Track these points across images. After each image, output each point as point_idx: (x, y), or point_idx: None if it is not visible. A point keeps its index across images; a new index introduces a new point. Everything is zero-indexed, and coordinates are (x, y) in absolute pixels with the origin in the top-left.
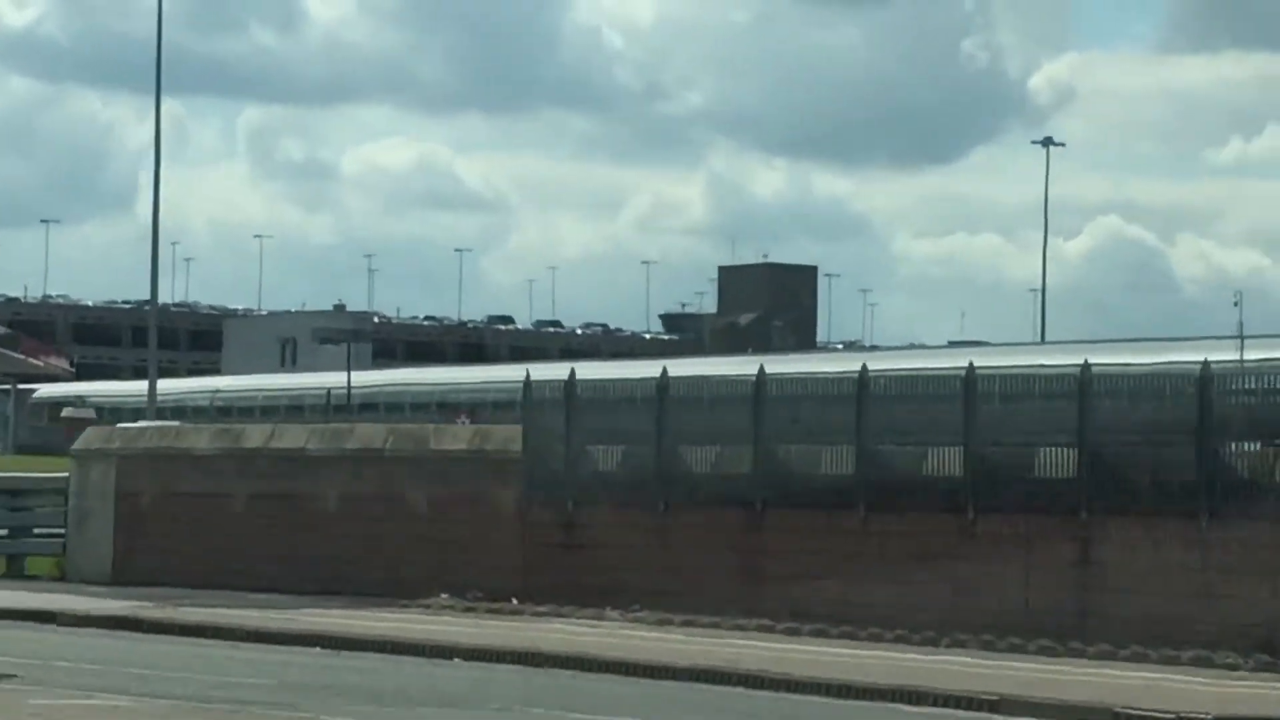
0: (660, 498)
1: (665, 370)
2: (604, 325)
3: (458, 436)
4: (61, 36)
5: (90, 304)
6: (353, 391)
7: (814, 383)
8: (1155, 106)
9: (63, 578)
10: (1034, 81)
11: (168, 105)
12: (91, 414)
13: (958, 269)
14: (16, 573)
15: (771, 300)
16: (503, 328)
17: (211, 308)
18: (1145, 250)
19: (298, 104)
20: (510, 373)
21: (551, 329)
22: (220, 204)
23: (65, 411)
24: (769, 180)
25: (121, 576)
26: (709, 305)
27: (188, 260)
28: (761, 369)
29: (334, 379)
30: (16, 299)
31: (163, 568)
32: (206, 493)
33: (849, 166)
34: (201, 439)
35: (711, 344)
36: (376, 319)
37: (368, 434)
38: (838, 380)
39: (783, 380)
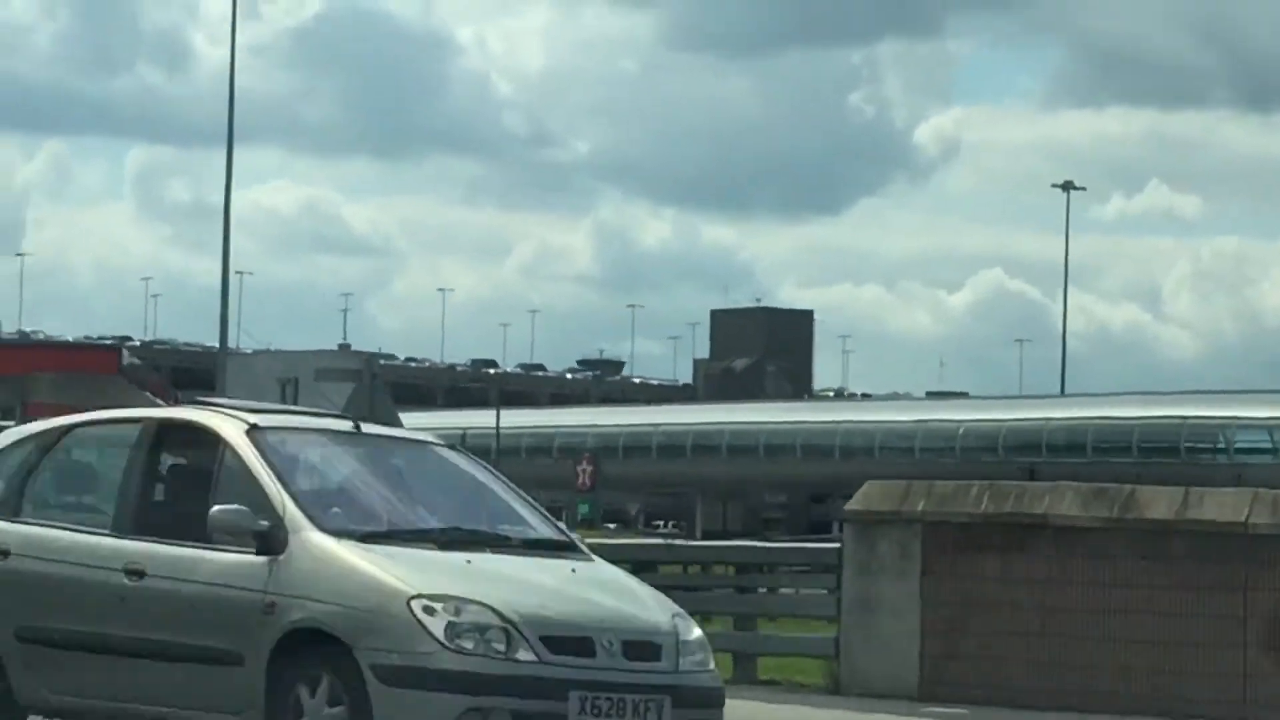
0: None
1: None
2: (591, 370)
3: None
4: None
5: (70, 339)
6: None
7: None
8: (1039, 161)
9: (835, 689)
10: (919, 134)
11: (50, 144)
12: None
13: (842, 320)
14: (747, 677)
15: (766, 345)
16: (491, 371)
17: (187, 344)
18: (1027, 304)
19: (185, 145)
20: (639, 417)
21: (540, 373)
22: (105, 244)
23: None
24: (656, 229)
25: (932, 691)
26: (696, 349)
27: (158, 298)
28: None
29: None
30: None
31: (990, 681)
32: (1070, 579)
33: (735, 216)
34: (1063, 501)
35: (705, 389)
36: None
37: None
38: None
39: None
